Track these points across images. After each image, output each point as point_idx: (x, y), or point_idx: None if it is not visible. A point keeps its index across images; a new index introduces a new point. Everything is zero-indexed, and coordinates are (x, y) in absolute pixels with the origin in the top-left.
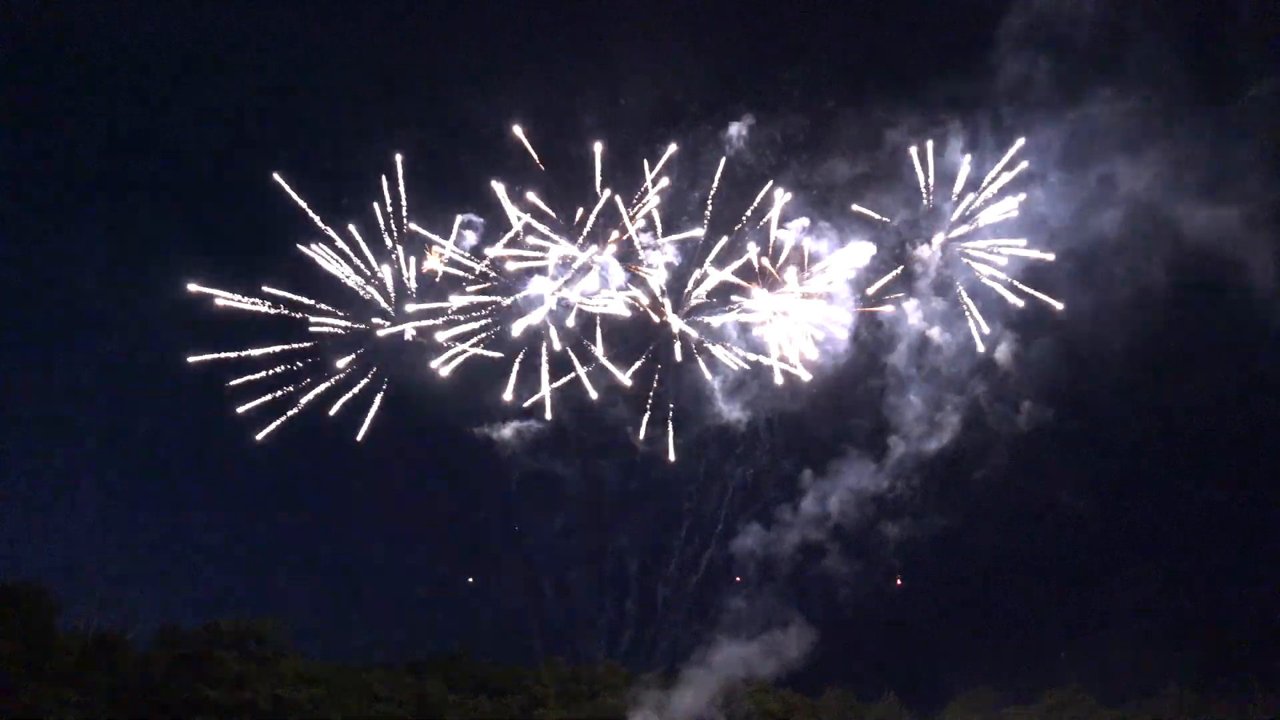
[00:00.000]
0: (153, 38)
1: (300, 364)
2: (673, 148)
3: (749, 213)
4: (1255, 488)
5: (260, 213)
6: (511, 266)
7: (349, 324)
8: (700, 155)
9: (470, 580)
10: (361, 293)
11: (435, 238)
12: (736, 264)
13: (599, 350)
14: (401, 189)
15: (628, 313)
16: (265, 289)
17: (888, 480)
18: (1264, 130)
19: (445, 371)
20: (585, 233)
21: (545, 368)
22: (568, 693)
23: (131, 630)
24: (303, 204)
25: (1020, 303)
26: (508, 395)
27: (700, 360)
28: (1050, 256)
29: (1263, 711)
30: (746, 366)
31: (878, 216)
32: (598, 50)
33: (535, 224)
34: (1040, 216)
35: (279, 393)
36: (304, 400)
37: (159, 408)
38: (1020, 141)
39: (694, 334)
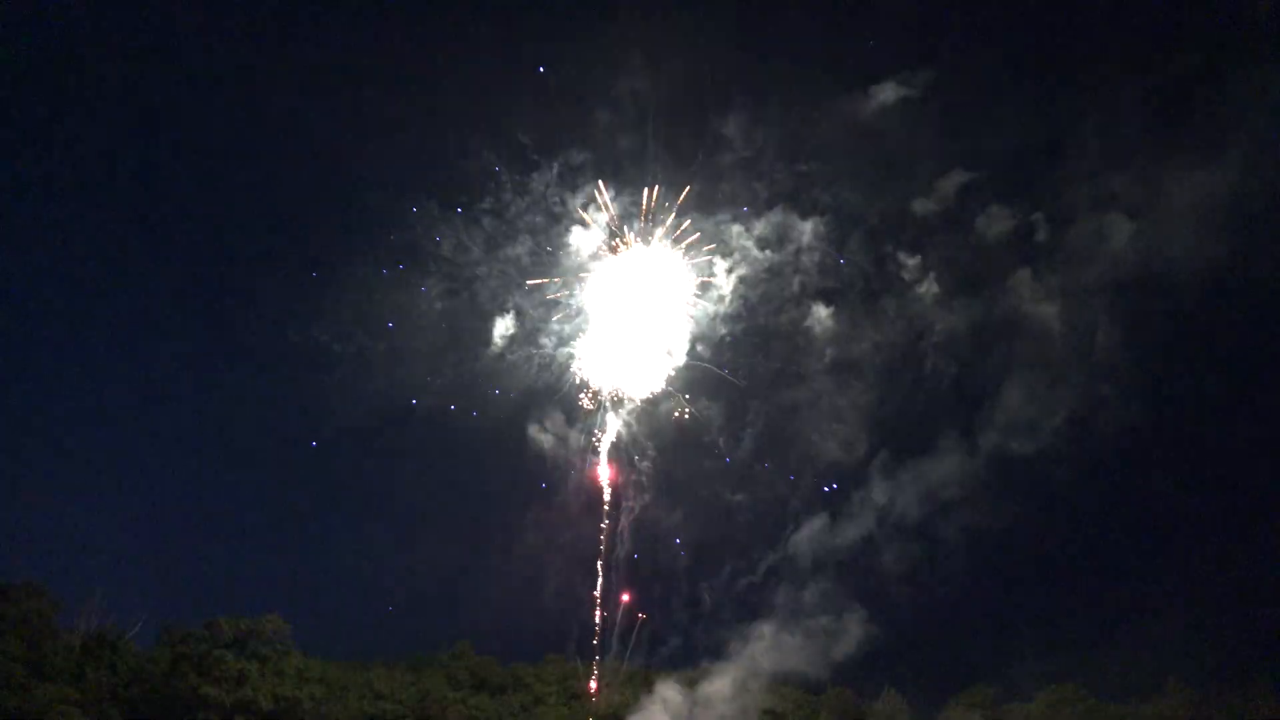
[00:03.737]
0: None
1: None
2: None
3: None
4: (1259, 485)
5: None
6: None
7: None
8: None
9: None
10: None
11: None
12: None
13: None
14: None
15: None
16: None
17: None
18: None
19: None
20: None
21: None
22: (568, 691)
23: (131, 629)
24: None
25: None
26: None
27: None
28: None
29: (1265, 710)
30: None
31: None
32: None
33: None
34: None
35: None
36: None
37: (160, 407)
38: None
39: None
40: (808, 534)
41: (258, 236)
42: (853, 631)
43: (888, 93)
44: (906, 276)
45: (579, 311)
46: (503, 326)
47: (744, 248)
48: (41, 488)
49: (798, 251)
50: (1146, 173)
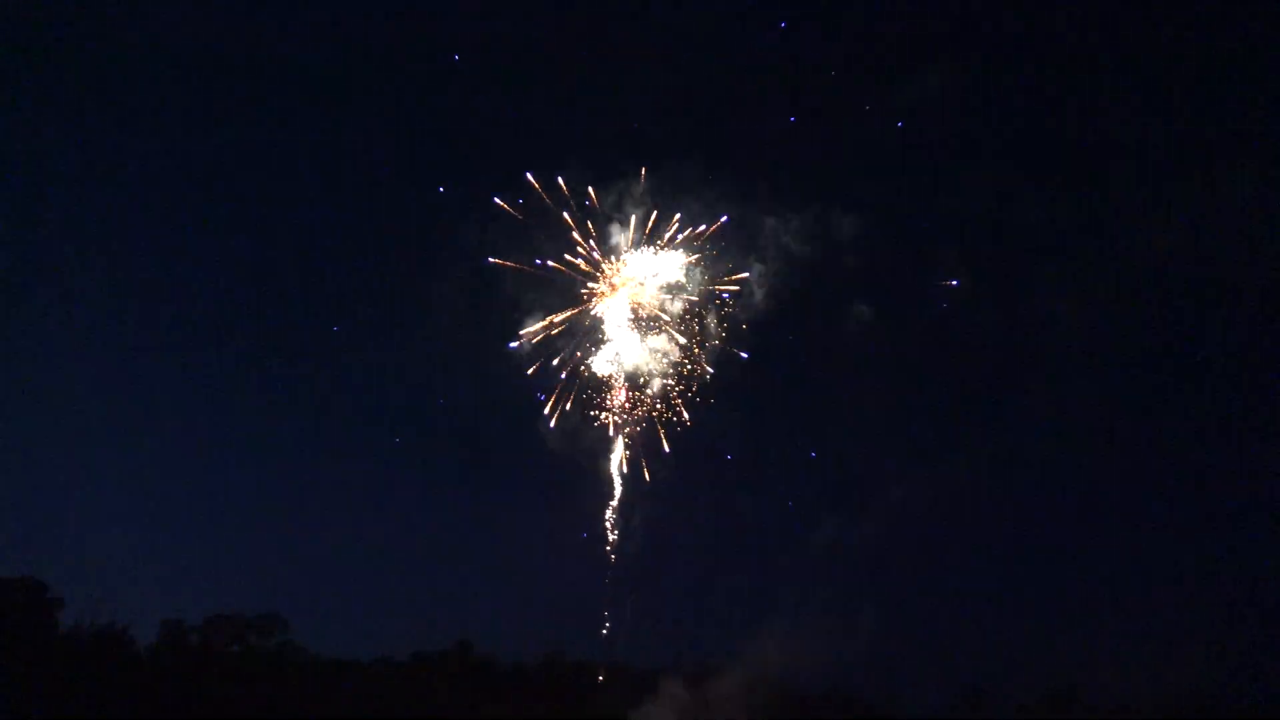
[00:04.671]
0: None
1: None
2: None
3: None
4: (1258, 484)
5: None
6: None
7: None
8: None
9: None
10: None
11: None
12: None
13: None
14: None
15: None
16: None
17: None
18: None
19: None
20: None
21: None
22: (570, 690)
23: (133, 626)
24: None
25: None
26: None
27: None
28: None
29: (1265, 712)
30: None
31: None
32: None
33: None
34: None
35: None
36: None
37: (160, 402)
38: None
39: None
40: (819, 534)
41: (265, 231)
42: (861, 632)
43: (925, 87)
44: (940, 274)
45: (603, 310)
46: (523, 326)
47: (778, 245)
48: (42, 486)
49: (833, 250)
50: (1183, 175)
